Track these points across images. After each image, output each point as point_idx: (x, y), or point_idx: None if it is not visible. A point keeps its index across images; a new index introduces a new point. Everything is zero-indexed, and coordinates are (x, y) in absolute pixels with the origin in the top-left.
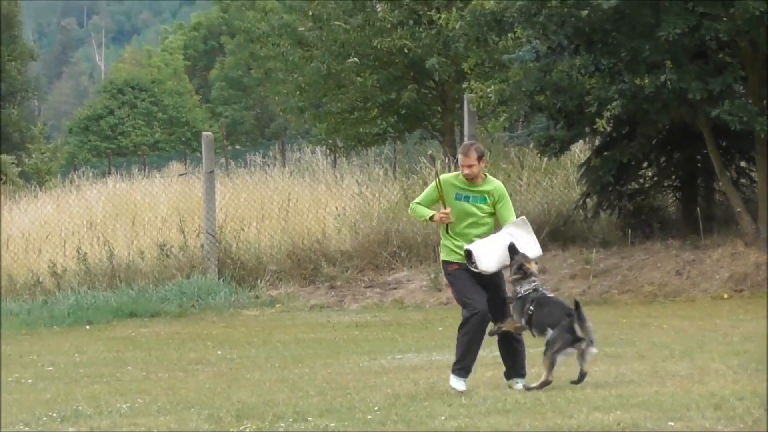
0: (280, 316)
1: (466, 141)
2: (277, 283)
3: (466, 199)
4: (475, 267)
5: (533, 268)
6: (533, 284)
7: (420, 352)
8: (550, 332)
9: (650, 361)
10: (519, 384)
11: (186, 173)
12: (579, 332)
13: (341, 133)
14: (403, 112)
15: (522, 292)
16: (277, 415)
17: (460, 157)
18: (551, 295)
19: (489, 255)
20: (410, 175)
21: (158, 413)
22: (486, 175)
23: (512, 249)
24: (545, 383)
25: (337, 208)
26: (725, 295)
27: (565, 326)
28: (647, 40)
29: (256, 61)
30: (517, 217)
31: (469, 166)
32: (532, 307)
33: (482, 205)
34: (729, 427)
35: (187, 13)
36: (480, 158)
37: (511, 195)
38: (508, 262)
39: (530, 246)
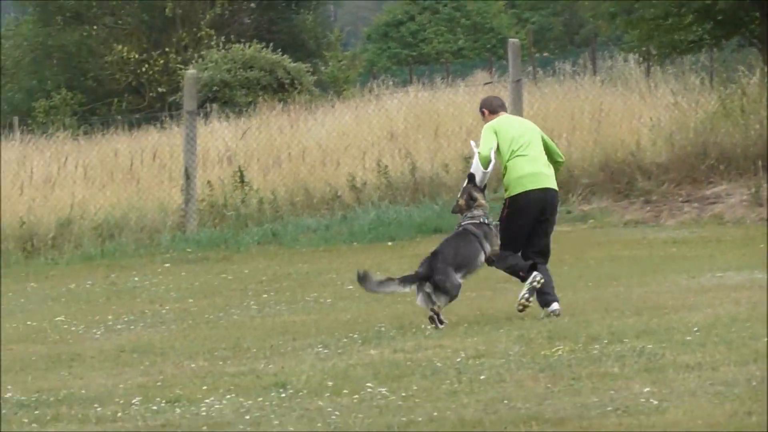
0: (593, 232)
1: None
2: (590, 197)
3: None
4: None
5: (480, 200)
6: (473, 217)
7: (741, 270)
8: None
9: None
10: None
11: (491, 82)
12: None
13: (655, 40)
14: (720, 18)
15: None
16: (591, 336)
17: None
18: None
19: None
20: (728, 85)
21: (465, 334)
22: None
23: (470, 177)
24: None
25: (651, 118)
26: None
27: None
28: None
29: None
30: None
31: None
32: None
33: None
34: None
35: None
36: (481, 113)
37: None
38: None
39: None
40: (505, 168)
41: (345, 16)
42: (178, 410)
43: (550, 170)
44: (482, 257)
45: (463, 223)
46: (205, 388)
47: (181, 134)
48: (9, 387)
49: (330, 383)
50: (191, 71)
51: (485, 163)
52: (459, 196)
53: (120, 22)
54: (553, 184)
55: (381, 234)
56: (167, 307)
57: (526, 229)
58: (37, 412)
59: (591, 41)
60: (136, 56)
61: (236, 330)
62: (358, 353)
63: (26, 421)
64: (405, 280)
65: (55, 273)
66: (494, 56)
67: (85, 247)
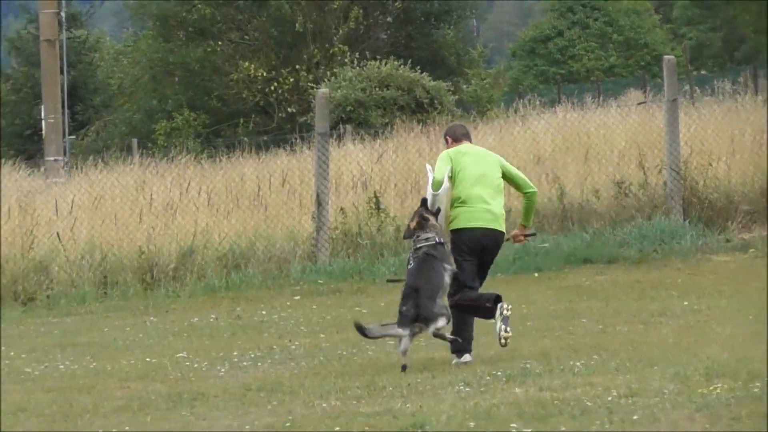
0: (753, 262)
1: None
2: (751, 225)
3: None
4: None
5: (432, 221)
6: (427, 239)
7: None
8: None
9: None
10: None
11: (645, 102)
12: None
13: None
14: None
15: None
16: (752, 373)
17: None
18: (435, 253)
19: None
20: None
21: (617, 371)
22: None
23: (423, 201)
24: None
25: None
26: None
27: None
28: None
29: None
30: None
31: None
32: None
33: None
34: None
35: None
36: (444, 140)
37: None
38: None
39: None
40: (456, 199)
41: (488, 31)
42: None
43: (499, 210)
44: (447, 277)
45: (420, 247)
46: (337, 429)
47: (312, 157)
48: (127, 428)
49: (472, 424)
50: (323, 90)
51: (437, 186)
52: (410, 220)
53: (247, 37)
54: (500, 226)
55: (526, 264)
56: (297, 343)
57: (472, 263)
58: None
59: (752, 58)
60: (264, 74)
61: (371, 367)
62: (502, 392)
63: None
64: (402, 323)
65: (177, 306)
66: (648, 74)
67: (208, 278)
